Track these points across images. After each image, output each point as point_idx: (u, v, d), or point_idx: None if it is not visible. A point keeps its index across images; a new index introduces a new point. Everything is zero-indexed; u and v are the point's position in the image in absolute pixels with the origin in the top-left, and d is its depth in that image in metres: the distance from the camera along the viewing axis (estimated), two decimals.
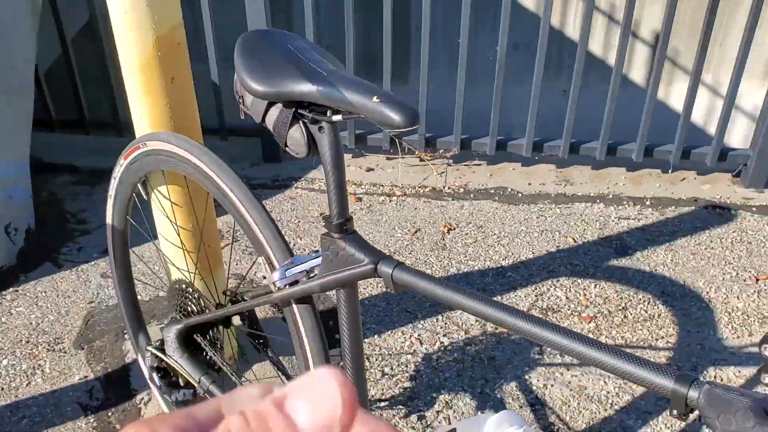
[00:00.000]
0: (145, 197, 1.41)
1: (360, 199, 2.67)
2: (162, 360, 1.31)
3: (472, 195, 2.70)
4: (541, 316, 2.02)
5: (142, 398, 1.69)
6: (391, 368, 1.82)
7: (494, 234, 2.43)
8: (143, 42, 1.21)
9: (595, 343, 0.69)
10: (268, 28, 1.02)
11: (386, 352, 1.87)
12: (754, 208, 2.65)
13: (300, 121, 0.92)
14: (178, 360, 1.27)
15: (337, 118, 0.87)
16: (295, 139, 0.93)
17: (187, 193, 1.42)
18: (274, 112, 0.94)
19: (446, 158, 2.92)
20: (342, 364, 1.05)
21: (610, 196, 2.72)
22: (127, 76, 1.27)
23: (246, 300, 1.29)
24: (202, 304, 1.27)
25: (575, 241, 2.41)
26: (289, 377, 1.28)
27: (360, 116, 0.84)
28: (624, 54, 2.60)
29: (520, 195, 2.71)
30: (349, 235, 0.96)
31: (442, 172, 2.85)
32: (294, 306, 1.07)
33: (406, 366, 1.83)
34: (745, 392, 0.59)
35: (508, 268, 2.24)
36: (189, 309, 1.29)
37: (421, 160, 2.91)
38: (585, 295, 2.13)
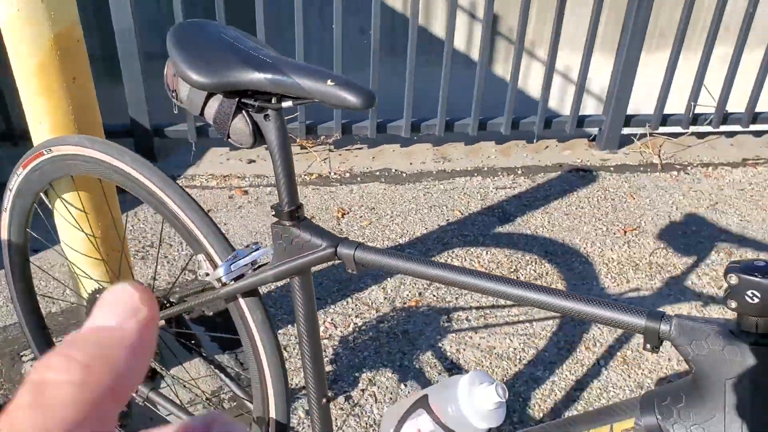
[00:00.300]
0: (50, 206, 1.33)
1: (246, 192, 2.64)
2: None
3: (358, 178, 2.74)
4: (444, 286, 2.12)
5: None
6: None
7: (387, 214, 2.50)
8: (40, 40, 1.14)
9: (568, 295, 0.76)
10: (198, 20, 0.99)
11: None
12: (611, 168, 2.91)
13: (243, 111, 0.91)
14: None
15: (287, 104, 0.88)
16: (240, 129, 0.92)
17: (95, 198, 1.35)
18: (214, 103, 0.92)
19: (328, 144, 2.94)
20: (300, 352, 1.06)
21: (485, 169, 2.88)
22: (21, 79, 1.18)
23: (176, 302, 1.26)
24: None
25: (462, 214, 2.53)
26: (227, 374, 1.27)
27: (313, 100, 0.85)
28: (488, 41, 2.74)
29: (404, 175, 2.79)
30: (302, 221, 0.97)
31: (326, 159, 2.87)
32: (241, 300, 1.07)
33: (325, 351, 1.85)
34: (711, 319, 0.68)
35: (406, 245, 2.32)
36: None
37: (303, 147, 2.91)
38: (479, 262, 2.25)
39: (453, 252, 2.29)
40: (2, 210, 1.36)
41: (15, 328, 1.86)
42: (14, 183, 1.29)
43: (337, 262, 0.94)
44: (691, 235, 2.46)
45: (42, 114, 1.22)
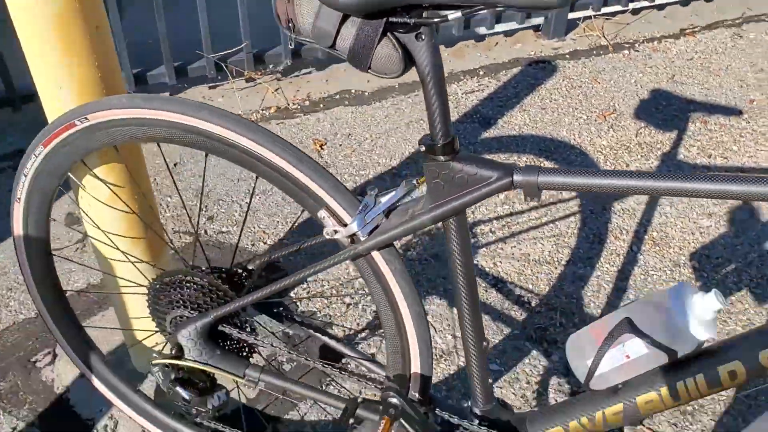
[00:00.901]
0: (79, 185, 1.12)
1: None
2: (180, 369, 1.08)
3: (321, 105, 2.56)
4: None
5: (105, 425, 1.41)
6: (351, 297, 1.73)
7: (366, 138, 2.36)
8: None
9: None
10: None
11: (336, 283, 1.77)
12: (566, 56, 2.88)
13: (389, 33, 0.76)
14: (209, 361, 1.06)
15: (454, 16, 0.73)
16: (386, 56, 0.77)
17: (132, 169, 1.15)
18: (350, 29, 0.76)
19: (278, 73, 2.72)
20: (455, 298, 0.95)
21: (446, 75, 2.77)
22: (32, 36, 0.95)
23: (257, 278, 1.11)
24: (220, 290, 1.06)
25: None
26: (336, 338, 1.15)
27: (495, 6, 0.71)
28: None
29: (366, 94, 2.64)
30: (458, 154, 0.84)
31: (277, 89, 2.65)
32: (375, 253, 0.94)
33: (364, 289, 1.74)
34: None
35: (400, 167, 2.21)
36: (200, 301, 1.07)
37: (250, 80, 2.67)
38: None
39: None
40: (15, 201, 1.13)
41: (12, 332, 1.62)
42: (32, 166, 1.07)
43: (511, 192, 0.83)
44: (664, 110, 2.49)
45: (63, 75, 0.99)
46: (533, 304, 1.71)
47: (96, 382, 1.32)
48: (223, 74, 2.60)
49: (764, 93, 2.59)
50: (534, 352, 1.58)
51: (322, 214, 0.93)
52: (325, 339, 1.14)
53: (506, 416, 1.02)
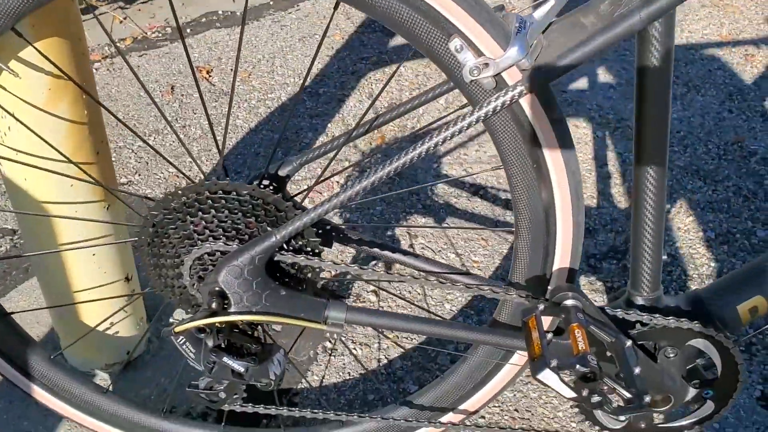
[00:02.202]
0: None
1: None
2: (219, 333, 0.71)
3: (188, 30, 2.12)
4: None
5: None
6: None
7: (260, 59, 1.98)
8: None
9: None
10: None
11: None
12: None
13: None
14: (273, 308, 0.70)
15: None
16: None
17: (76, 49, 0.75)
18: None
19: (120, 0, 2.21)
20: (635, 145, 0.69)
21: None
22: None
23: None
24: (270, 203, 0.70)
25: (342, 37, 2.12)
26: (409, 252, 0.84)
27: None
28: None
29: (238, 14, 2.23)
30: None
31: (125, 18, 2.16)
32: (528, 98, 0.66)
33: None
34: None
35: (315, 86, 1.87)
36: (242, 224, 0.71)
37: (87, 9, 2.14)
38: (407, 81, 1.91)
39: (374, 76, 1.91)
40: None
41: None
42: None
43: None
44: None
45: None
46: None
47: (41, 393, 0.89)
48: None
49: None
50: None
51: (456, 44, 0.62)
52: (402, 257, 0.83)
53: (674, 301, 0.79)
